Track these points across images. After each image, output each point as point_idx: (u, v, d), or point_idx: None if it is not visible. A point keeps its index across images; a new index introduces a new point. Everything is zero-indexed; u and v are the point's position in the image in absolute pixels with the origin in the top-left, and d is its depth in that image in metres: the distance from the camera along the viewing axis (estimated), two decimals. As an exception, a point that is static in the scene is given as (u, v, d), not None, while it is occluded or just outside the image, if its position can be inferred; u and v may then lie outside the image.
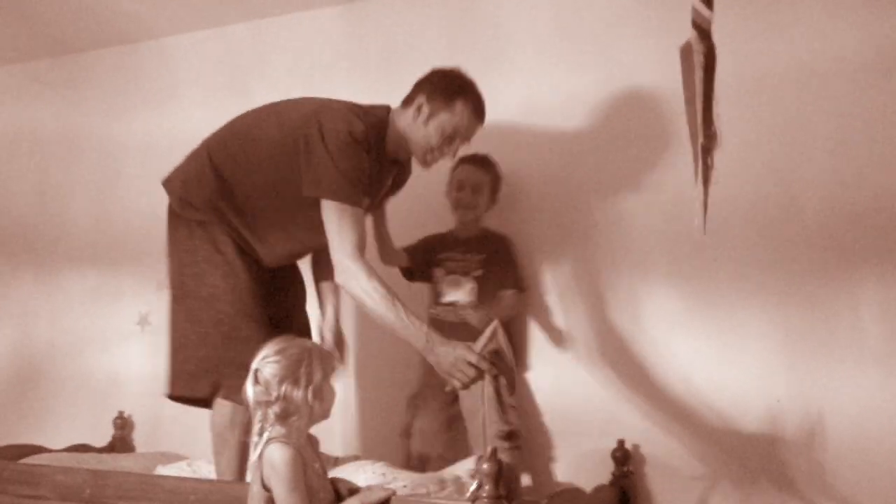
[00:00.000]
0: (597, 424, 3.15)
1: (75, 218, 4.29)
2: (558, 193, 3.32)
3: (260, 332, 2.67)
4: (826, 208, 2.92)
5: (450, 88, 2.79)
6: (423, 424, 3.18)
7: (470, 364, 2.49)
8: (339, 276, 2.63)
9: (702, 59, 1.41)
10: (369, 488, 2.43)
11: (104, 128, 4.27)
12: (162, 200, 2.97)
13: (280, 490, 2.19)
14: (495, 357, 2.54)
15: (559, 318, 3.28)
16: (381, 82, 3.46)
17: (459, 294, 3.21)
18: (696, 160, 1.44)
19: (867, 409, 2.82)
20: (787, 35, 3.02)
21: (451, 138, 2.79)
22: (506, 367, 2.59)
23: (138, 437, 3.89)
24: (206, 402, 2.79)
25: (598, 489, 2.93)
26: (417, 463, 3.14)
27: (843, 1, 2.97)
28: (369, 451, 3.34)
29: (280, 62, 3.88)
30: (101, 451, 3.74)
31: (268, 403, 2.24)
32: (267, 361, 2.26)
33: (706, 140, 1.41)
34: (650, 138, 3.16)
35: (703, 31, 1.41)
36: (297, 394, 2.23)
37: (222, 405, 2.73)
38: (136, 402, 3.89)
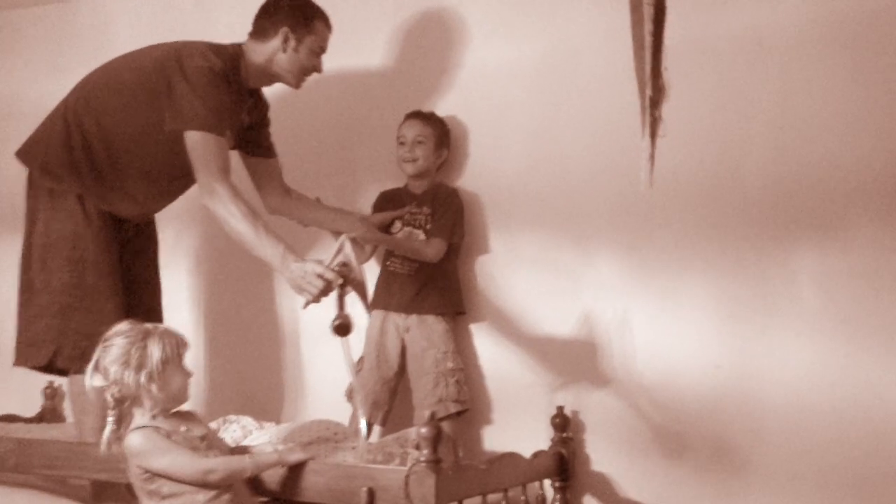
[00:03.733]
0: (536, 391, 3.16)
1: (8, 180, 4.15)
2: (507, 155, 3.29)
3: (107, 302, 2.86)
4: (767, 178, 2.93)
5: (306, 14, 2.99)
6: (365, 385, 3.18)
7: (318, 276, 2.56)
8: (204, 198, 2.75)
9: (651, 11, 1.40)
10: (290, 448, 2.46)
11: (39, 87, 4.11)
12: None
13: (155, 462, 2.29)
14: (343, 268, 2.61)
15: (500, 280, 3.27)
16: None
17: None
18: (643, 113, 1.43)
19: (803, 376, 2.84)
20: (736, 4, 3.01)
21: (318, 54, 3.03)
22: (354, 278, 2.64)
23: (69, 408, 3.79)
24: (60, 370, 2.94)
25: (538, 454, 2.92)
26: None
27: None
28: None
29: (222, 21, 3.78)
30: (29, 421, 3.64)
31: (105, 388, 2.32)
32: (104, 347, 2.34)
33: (654, 92, 1.40)
34: (594, 97, 3.14)
35: (652, -18, 1.40)
36: (131, 378, 2.29)
37: (74, 378, 2.83)
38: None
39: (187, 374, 2.38)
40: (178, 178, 2.93)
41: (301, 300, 2.68)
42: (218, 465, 2.31)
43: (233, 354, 3.71)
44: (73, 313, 2.86)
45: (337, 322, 2.61)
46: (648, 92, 1.41)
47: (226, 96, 2.85)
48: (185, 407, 2.46)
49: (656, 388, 3.02)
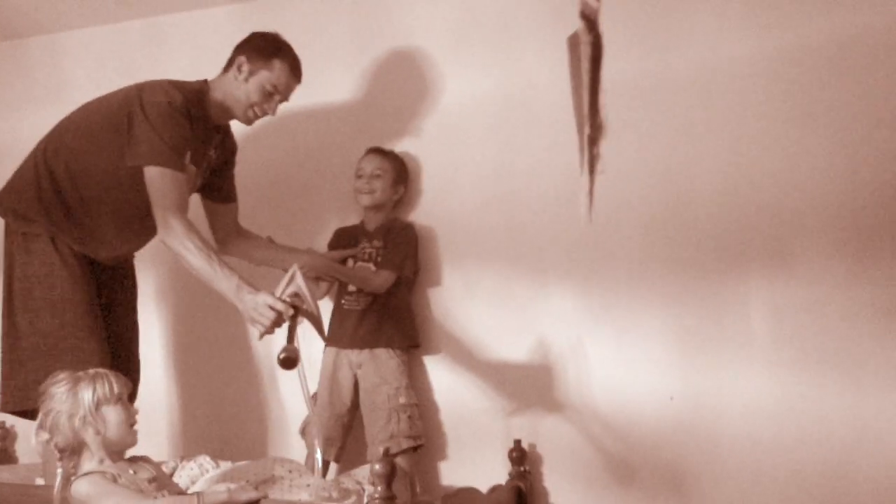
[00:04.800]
0: (493, 424, 3.16)
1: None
2: (461, 190, 3.33)
3: (88, 341, 2.82)
4: (717, 210, 2.98)
5: (268, 48, 2.97)
6: (320, 422, 3.16)
7: (269, 307, 2.56)
8: (160, 232, 2.76)
9: (589, 50, 1.42)
10: (242, 487, 2.44)
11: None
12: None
13: None
14: (295, 298, 2.61)
15: (455, 314, 3.29)
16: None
17: None
18: (581, 149, 1.45)
19: (756, 406, 2.88)
20: (682, 39, 3.07)
21: (270, 94, 2.97)
22: (307, 309, 2.63)
23: (21, 449, 3.74)
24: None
25: (495, 489, 2.93)
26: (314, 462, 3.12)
27: (734, 9, 3.03)
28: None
29: (174, 61, 3.77)
30: (-20, 462, 3.59)
31: (49, 440, 2.32)
32: (41, 400, 2.34)
33: (592, 130, 1.42)
34: (545, 134, 3.17)
35: (590, 22, 1.42)
36: (66, 426, 2.31)
37: None
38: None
39: (129, 414, 2.37)
40: (148, 216, 2.87)
41: (255, 332, 2.67)
42: (165, 503, 2.28)
43: (199, 390, 3.68)
44: (61, 354, 2.80)
45: (283, 355, 2.56)
46: (587, 130, 1.43)
47: (185, 130, 2.85)
48: (138, 450, 2.44)
49: (612, 420, 3.03)
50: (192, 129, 2.89)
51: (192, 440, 3.61)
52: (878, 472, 2.73)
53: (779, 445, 2.84)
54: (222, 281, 2.66)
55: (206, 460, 3.08)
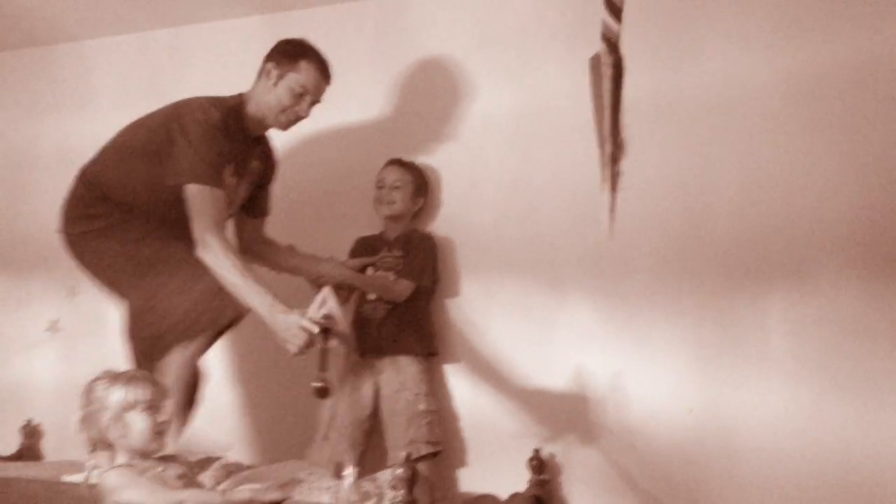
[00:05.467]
0: (511, 433, 3.18)
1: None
2: (481, 203, 3.36)
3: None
4: (735, 226, 3.00)
5: (294, 51, 3.02)
6: (339, 428, 3.20)
7: (301, 328, 2.61)
8: (198, 249, 2.78)
9: (610, 71, 1.45)
10: (267, 488, 2.47)
11: (17, 130, 4.19)
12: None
13: (128, 496, 2.29)
14: (328, 320, 2.65)
15: (474, 324, 3.32)
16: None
17: None
18: (603, 167, 1.48)
19: (775, 420, 2.89)
20: (700, 58, 3.10)
21: (300, 96, 3.01)
22: (338, 330, 2.67)
23: (48, 446, 3.79)
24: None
25: (514, 497, 2.94)
26: (334, 468, 3.15)
27: (753, 28, 3.06)
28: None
29: (200, 70, 3.85)
30: (7, 459, 3.63)
31: (82, 430, 2.39)
32: (84, 390, 2.40)
33: (614, 148, 1.45)
34: (565, 148, 3.20)
35: (611, 44, 1.45)
36: (95, 421, 2.37)
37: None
38: (46, 409, 3.79)
39: (156, 423, 2.39)
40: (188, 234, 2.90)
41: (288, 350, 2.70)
42: (189, 497, 2.32)
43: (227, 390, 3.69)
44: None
45: (317, 384, 2.64)
46: (608, 148, 1.47)
47: (223, 147, 2.89)
48: (169, 450, 2.48)
49: (630, 432, 3.05)
50: (232, 143, 2.95)
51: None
52: None
53: (797, 460, 2.84)
54: (255, 298, 2.70)
55: (229, 461, 3.12)
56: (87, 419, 2.37)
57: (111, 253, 2.98)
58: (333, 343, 2.69)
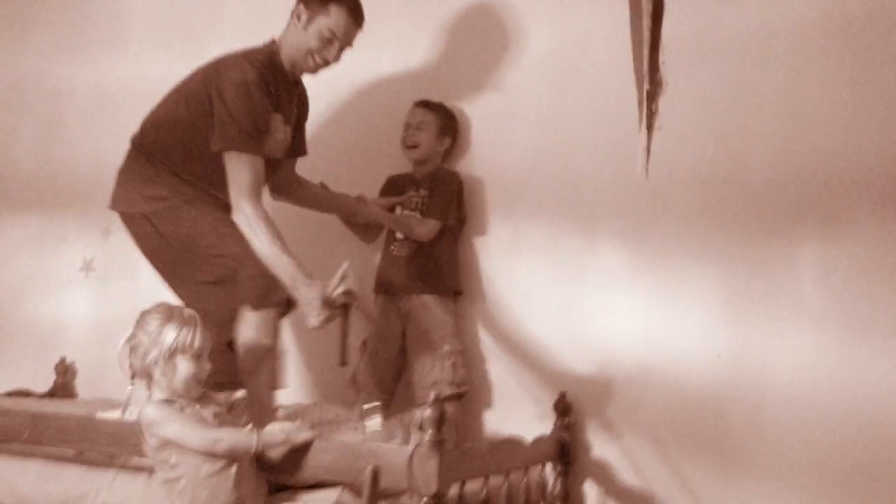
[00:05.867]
0: (538, 375, 3.20)
1: (18, 162, 4.23)
2: (512, 143, 3.34)
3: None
4: (770, 170, 2.96)
5: None
6: (369, 372, 3.25)
7: (323, 304, 2.64)
8: (235, 216, 2.81)
9: (650, 7, 1.43)
10: (298, 427, 2.50)
11: (51, 71, 4.20)
12: (109, 146, 2.91)
13: (167, 430, 2.35)
14: (348, 296, 2.67)
15: (503, 264, 3.32)
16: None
17: None
18: (640, 106, 1.47)
19: (804, 366, 2.87)
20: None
21: (329, 41, 2.97)
22: (358, 307, 2.73)
23: (81, 384, 3.85)
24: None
25: (539, 440, 2.97)
26: (362, 409, 3.19)
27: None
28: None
29: (234, 9, 3.83)
30: (42, 397, 3.70)
31: (127, 359, 2.42)
32: (138, 321, 2.43)
33: (651, 86, 1.43)
34: (600, 89, 3.17)
35: (651, -22, 1.43)
36: (141, 356, 2.39)
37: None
38: (80, 348, 3.87)
39: (200, 370, 2.42)
40: None
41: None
42: (225, 435, 2.36)
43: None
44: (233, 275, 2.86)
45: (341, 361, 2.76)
46: (646, 86, 1.45)
47: (265, 102, 2.89)
48: None
49: (657, 376, 3.05)
50: (275, 93, 2.94)
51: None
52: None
53: (824, 406, 2.83)
54: (282, 267, 2.72)
55: None
56: (136, 350, 2.40)
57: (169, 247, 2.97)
58: (352, 317, 2.74)
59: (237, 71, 2.88)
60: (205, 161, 2.91)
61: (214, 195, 2.96)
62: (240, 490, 2.39)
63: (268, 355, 2.84)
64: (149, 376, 2.40)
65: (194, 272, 2.94)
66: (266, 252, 2.74)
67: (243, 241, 2.80)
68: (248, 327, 2.81)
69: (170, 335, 2.37)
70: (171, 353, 2.37)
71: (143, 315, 2.42)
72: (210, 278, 2.91)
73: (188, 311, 2.45)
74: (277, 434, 2.44)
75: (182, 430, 2.34)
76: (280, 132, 3.01)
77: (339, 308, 2.68)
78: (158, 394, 2.40)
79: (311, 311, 2.67)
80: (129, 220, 3.03)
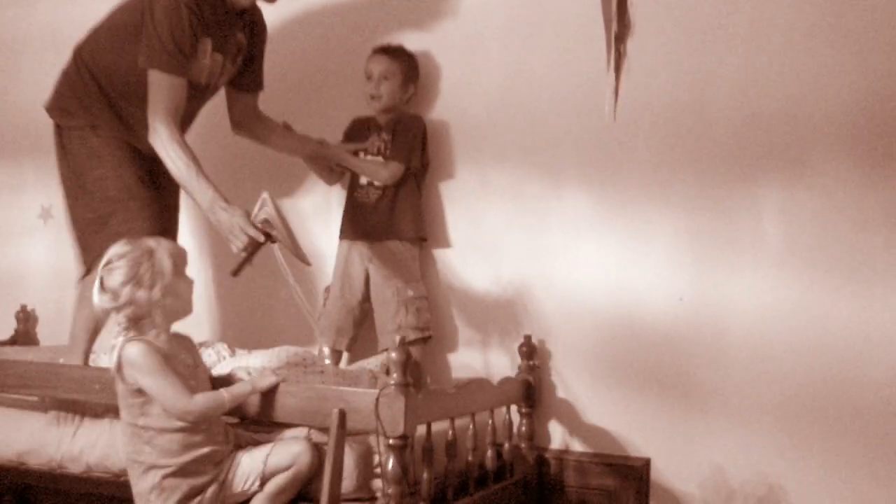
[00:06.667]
0: (503, 319, 3.22)
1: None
2: (478, 87, 3.31)
3: (148, 208, 2.91)
4: (734, 114, 2.97)
5: None
6: (331, 314, 3.26)
7: (241, 230, 2.65)
8: (150, 137, 2.82)
9: (618, -53, 1.42)
10: (261, 373, 2.51)
11: (5, 15, 4.10)
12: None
13: (145, 381, 2.32)
14: (266, 224, 2.67)
15: (468, 209, 3.32)
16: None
17: None
18: (608, 48, 1.46)
19: (764, 309, 2.92)
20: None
21: None
22: (279, 234, 2.70)
23: (42, 331, 3.82)
24: None
25: (504, 381, 3.00)
26: (327, 353, 3.22)
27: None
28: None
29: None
30: (3, 344, 3.67)
31: (116, 309, 2.34)
32: (110, 268, 2.34)
33: (619, 28, 1.43)
34: (566, 33, 3.16)
35: (619, -80, 1.42)
36: (143, 295, 2.33)
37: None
38: (40, 295, 3.83)
39: (190, 283, 2.43)
40: None
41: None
42: (198, 405, 2.33)
43: (220, 280, 3.71)
44: (111, 219, 2.88)
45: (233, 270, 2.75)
46: (614, 27, 1.44)
47: (191, 27, 2.84)
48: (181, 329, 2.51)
49: (621, 318, 3.08)
50: (210, 18, 2.89)
51: (211, 328, 3.70)
52: (884, 377, 2.77)
53: (786, 348, 2.88)
54: (198, 193, 2.74)
55: (222, 347, 3.17)
56: (133, 298, 2.32)
57: (81, 165, 2.98)
58: (275, 243, 2.72)
59: None
60: (130, 78, 2.89)
61: (130, 126, 2.96)
62: (210, 441, 2.39)
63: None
64: (146, 314, 2.35)
65: (76, 201, 2.98)
66: (181, 175, 2.76)
67: (131, 189, 2.85)
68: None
69: (166, 263, 2.34)
70: (174, 278, 2.35)
71: (116, 265, 2.35)
72: (89, 213, 2.93)
73: (151, 239, 2.42)
74: (244, 386, 2.44)
75: (158, 390, 2.31)
76: (207, 58, 2.95)
77: (259, 238, 2.66)
78: (147, 332, 2.36)
79: (231, 235, 2.67)
80: (55, 127, 3.05)
